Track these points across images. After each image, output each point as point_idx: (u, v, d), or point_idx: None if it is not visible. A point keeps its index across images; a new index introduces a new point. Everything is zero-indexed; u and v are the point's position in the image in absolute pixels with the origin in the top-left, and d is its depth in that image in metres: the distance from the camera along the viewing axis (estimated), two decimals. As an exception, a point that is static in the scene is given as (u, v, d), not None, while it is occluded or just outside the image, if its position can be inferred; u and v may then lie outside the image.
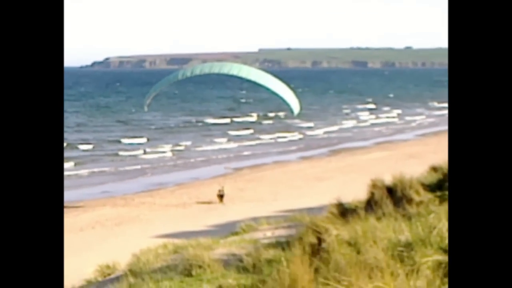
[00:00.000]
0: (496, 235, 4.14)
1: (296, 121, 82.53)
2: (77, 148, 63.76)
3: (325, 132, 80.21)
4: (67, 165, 53.97)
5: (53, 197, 4.40)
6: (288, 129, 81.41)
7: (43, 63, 4.50)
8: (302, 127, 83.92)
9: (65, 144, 63.45)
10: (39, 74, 4.47)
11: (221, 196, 37.95)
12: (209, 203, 37.40)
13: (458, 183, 4.28)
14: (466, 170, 4.28)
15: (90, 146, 65.58)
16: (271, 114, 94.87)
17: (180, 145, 66.84)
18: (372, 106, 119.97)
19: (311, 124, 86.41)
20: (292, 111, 25.53)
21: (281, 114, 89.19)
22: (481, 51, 4.46)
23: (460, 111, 4.37)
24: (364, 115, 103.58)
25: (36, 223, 4.28)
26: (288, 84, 26.34)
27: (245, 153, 62.88)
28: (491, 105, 4.36)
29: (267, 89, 25.18)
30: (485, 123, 4.34)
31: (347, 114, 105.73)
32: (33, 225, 4.29)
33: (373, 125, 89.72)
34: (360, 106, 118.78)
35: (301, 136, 76.76)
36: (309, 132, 79.97)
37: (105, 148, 65.26)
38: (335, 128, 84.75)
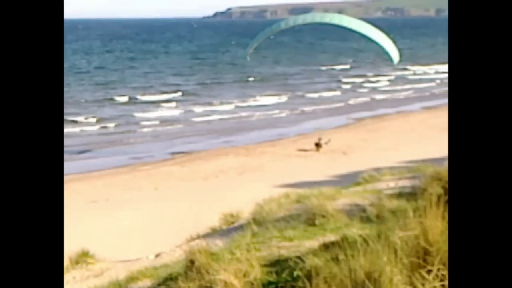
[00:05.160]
0: (498, 236, 4.01)
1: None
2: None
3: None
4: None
5: (53, 191, 4.26)
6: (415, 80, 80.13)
7: (43, 59, 4.35)
8: (425, 78, 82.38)
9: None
10: (39, 69, 4.32)
11: (317, 145, 38.14)
12: (330, 152, 37.38)
13: (458, 183, 4.17)
14: (467, 170, 4.16)
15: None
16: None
17: (298, 93, 66.96)
18: None
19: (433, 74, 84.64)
20: (391, 60, 25.52)
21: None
22: (482, 50, 4.28)
23: (461, 110, 4.25)
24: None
25: (36, 219, 4.14)
26: (387, 34, 26.23)
27: (366, 104, 62.35)
28: (492, 103, 4.21)
29: (366, 37, 25.08)
30: (486, 121, 4.20)
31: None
32: (32, 220, 4.14)
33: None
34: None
35: (424, 85, 75.47)
36: (432, 84, 78.47)
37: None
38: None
